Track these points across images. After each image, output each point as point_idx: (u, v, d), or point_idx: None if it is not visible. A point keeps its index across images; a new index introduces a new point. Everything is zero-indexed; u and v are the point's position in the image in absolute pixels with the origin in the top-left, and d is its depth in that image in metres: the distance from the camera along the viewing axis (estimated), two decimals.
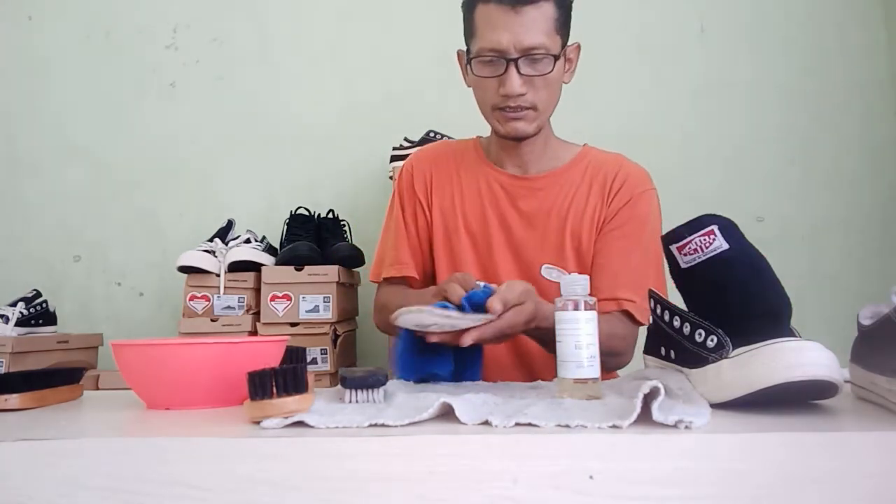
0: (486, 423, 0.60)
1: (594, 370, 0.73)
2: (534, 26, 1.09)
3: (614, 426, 0.57)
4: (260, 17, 2.29)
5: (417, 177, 1.30)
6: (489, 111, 1.17)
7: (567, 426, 0.58)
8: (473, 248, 1.24)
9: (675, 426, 0.56)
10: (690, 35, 2.21)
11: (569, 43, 1.17)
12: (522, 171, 1.24)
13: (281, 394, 0.62)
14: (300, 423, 0.61)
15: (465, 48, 1.19)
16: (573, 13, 1.17)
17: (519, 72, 1.10)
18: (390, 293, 1.27)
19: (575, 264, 1.20)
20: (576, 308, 0.74)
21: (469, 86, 1.21)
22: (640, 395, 0.58)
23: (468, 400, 0.66)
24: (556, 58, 1.12)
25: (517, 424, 0.59)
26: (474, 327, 0.86)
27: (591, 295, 1.17)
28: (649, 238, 1.17)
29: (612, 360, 1.13)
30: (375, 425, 0.60)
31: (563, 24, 1.14)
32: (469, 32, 1.16)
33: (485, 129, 1.26)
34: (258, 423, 0.62)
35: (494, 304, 0.87)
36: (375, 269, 1.32)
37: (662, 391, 0.59)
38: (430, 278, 1.29)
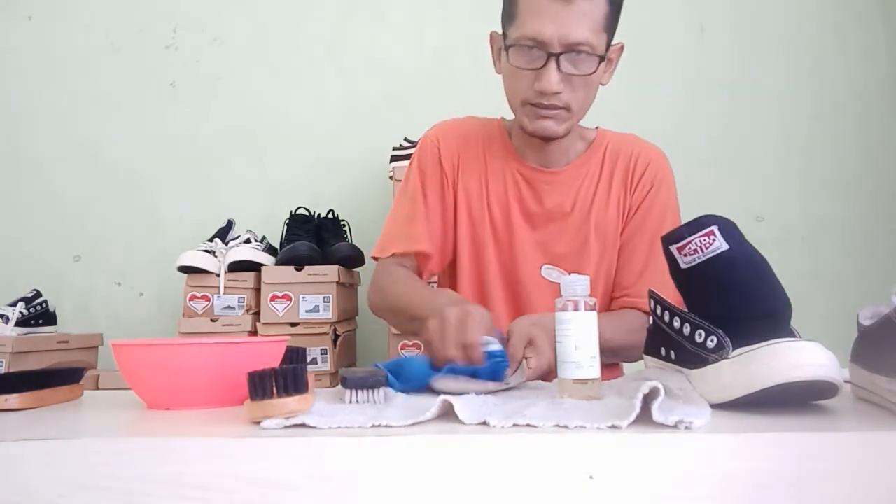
0: (485, 423, 0.60)
1: (594, 371, 0.73)
2: (583, 20, 1.01)
3: (613, 426, 0.57)
4: (260, 17, 2.29)
5: (445, 153, 1.21)
6: (519, 104, 1.10)
7: (566, 427, 0.58)
8: (495, 240, 1.19)
9: (675, 426, 0.56)
10: (690, 35, 2.21)
11: (613, 42, 1.10)
12: (544, 164, 1.20)
13: (281, 394, 0.62)
14: (300, 424, 0.61)
15: (500, 31, 1.12)
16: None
17: (559, 68, 1.03)
18: (391, 272, 1.16)
19: (598, 258, 1.18)
20: (576, 308, 0.74)
21: (499, 73, 1.14)
22: (640, 396, 0.58)
23: (468, 400, 0.66)
24: (602, 59, 1.05)
25: (515, 425, 0.59)
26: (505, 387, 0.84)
27: (613, 289, 1.19)
28: (669, 227, 1.17)
29: (634, 353, 1.09)
30: (376, 426, 0.60)
31: (612, 22, 1.06)
32: (509, 15, 1.07)
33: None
34: (258, 423, 0.62)
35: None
36: (381, 245, 1.21)
37: (662, 392, 0.59)
38: (448, 263, 1.23)
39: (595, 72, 1.05)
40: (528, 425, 0.59)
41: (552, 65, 1.03)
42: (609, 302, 1.21)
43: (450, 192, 1.21)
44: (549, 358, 0.89)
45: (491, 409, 0.65)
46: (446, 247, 1.21)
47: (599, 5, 1.03)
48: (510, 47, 1.06)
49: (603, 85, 1.12)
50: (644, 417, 0.57)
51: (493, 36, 1.15)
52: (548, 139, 1.13)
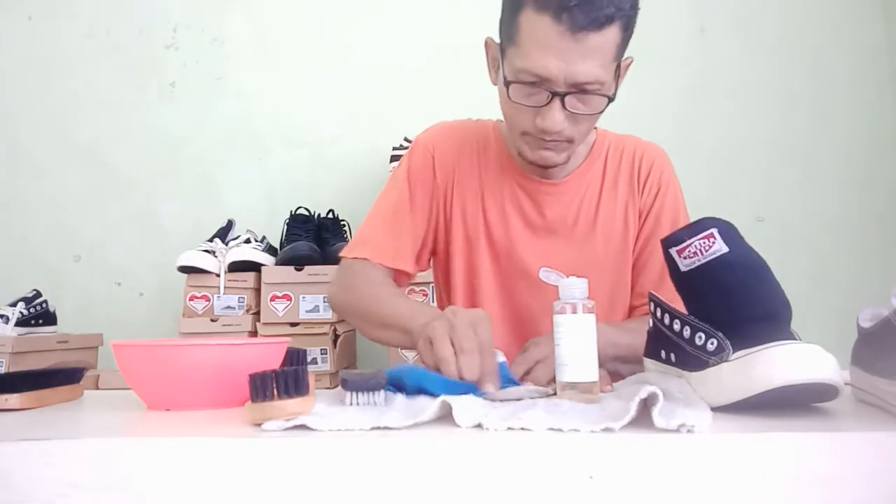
0: (480, 426, 0.60)
1: (592, 374, 0.73)
2: (592, 57, 0.90)
3: (607, 429, 0.57)
4: (260, 17, 2.29)
5: (440, 163, 1.15)
6: (517, 134, 1.03)
7: (560, 430, 0.57)
8: (493, 256, 1.15)
9: (677, 430, 0.55)
10: (690, 35, 2.21)
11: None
12: (544, 175, 1.14)
13: (282, 396, 0.62)
14: (301, 426, 0.61)
15: (495, 40, 1.03)
16: None
17: (563, 106, 0.94)
18: (366, 273, 1.09)
19: (610, 269, 1.14)
20: (574, 311, 0.74)
21: (494, 83, 1.06)
22: (637, 399, 0.58)
23: (465, 401, 0.66)
24: (611, 99, 0.96)
25: (510, 429, 0.59)
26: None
27: (633, 297, 1.17)
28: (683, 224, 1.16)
29: None
30: (377, 428, 0.60)
31: (624, 48, 0.96)
32: (509, 36, 0.96)
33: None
34: (259, 425, 0.62)
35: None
36: (356, 248, 1.13)
37: (661, 397, 0.59)
38: (443, 280, 1.20)
39: (602, 110, 0.98)
40: (522, 429, 0.58)
41: (556, 104, 0.94)
42: (630, 311, 1.18)
43: (440, 204, 1.16)
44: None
45: (487, 412, 0.65)
46: (422, 258, 1.17)
47: (611, 38, 0.91)
48: (510, 83, 0.96)
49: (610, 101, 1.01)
50: (645, 418, 0.57)
51: (488, 43, 1.06)
52: (547, 167, 1.08)
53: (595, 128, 1.20)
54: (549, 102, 0.94)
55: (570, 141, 1.02)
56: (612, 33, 0.91)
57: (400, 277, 1.15)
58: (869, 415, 0.64)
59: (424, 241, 1.16)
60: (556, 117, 0.95)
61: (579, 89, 0.93)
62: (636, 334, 0.95)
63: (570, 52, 0.90)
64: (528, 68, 0.93)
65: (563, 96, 0.94)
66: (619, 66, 0.99)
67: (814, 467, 0.53)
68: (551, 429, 0.58)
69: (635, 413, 0.58)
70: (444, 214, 1.16)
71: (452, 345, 0.78)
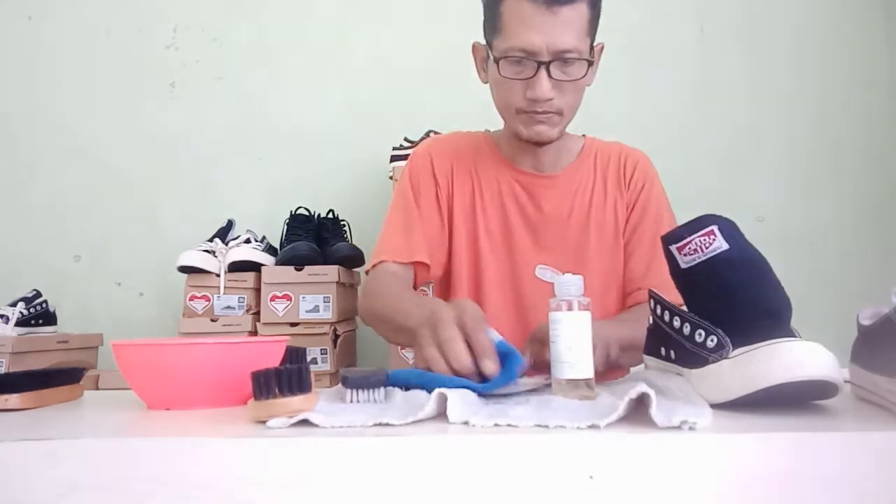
0: (467, 423, 0.60)
1: (587, 371, 0.73)
2: (568, 28, 1.04)
3: (593, 426, 0.57)
4: (260, 17, 2.29)
5: (438, 166, 1.23)
6: (512, 114, 1.12)
7: (546, 427, 0.57)
8: (493, 250, 1.20)
9: (679, 427, 0.55)
10: (690, 35, 2.21)
11: (594, 44, 1.12)
12: (538, 169, 1.22)
13: (285, 393, 0.62)
14: (305, 423, 0.61)
15: (482, 42, 1.14)
16: None
17: (549, 75, 1.05)
18: (383, 279, 1.14)
19: (602, 261, 1.20)
20: (569, 308, 0.74)
21: (485, 82, 1.16)
22: (626, 399, 0.58)
23: (458, 397, 0.66)
24: (590, 63, 1.08)
25: (496, 425, 0.59)
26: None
27: (625, 285, 1.21)
28: (667, 220, 1.22)
29: None
30: (379, 424, 0.60)
31: (594, 26, 1.09)
32: (494, 28, 1.09)
33: (490, 124, 1.25)
34: (263, 422, 0.62)
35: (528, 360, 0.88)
36: (375, 258, 1.19)
37: (653, 396, 0.58)
38: (443, 275, 1.23)
39: (584, 76, 1.08)
40: (508, 425, 0.58)
41: (543, 73, 1.05)
42: (623, 300, 1.23)
43: (444, 205, 1.22)
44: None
45: (477, 409, 0.65)
46: (442, 256, 1.22)
47: (582, 12, 1.05)
48: (499, 60, 1.07)
49: (588, 86, 1.13)
50: (646, 417, 0.57)
51: (475, 47, 1.17)
52: (542, 143, 1.15)
53: (583, 135, 1.29)
54: (536, 73, 1.05)
55: (560, 113, 1.10)
56: (581, 8, 1.05)
57: (419, 272, 1.18)
58: (869, 413, 0.64)
59: (441, 234, 1.21)
60: (544, 85, 1.05)
61: (561, 58, 1.05)
62: (635, 324, 0.99)
63: (549, 25, 1.03)
64: (515, 45, 1.05)
65: (547, 65, 1.05)
66: (592, 48, 1.10)
67: (814, 466, 0.53)
68: (537, 425, 0.58)
69: (623, 412, 0.58)
70: (448, 210, 1.22)
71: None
